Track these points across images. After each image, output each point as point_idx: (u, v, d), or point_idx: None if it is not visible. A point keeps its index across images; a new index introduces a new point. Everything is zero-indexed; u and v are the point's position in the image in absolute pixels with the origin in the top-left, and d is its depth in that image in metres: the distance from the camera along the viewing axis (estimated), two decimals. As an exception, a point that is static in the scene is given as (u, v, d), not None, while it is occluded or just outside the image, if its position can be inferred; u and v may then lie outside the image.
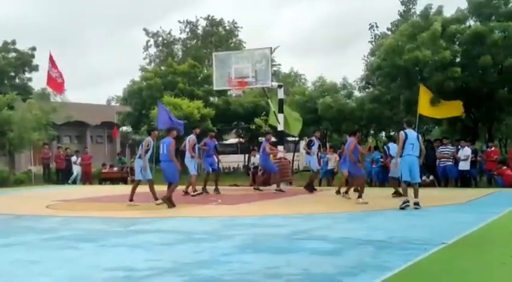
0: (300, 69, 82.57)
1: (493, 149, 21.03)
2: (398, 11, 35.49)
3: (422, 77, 21.60)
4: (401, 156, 12.61)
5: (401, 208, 12.25)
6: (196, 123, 26.18)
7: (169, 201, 13.53)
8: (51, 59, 26.72)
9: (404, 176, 12.74)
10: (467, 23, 22.79)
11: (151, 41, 52.22)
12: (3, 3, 68.48)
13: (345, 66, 75.69)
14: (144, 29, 52.21)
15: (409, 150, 12.44)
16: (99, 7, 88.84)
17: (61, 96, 29.17)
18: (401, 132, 12.83)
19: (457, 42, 22.24)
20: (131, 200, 14.27)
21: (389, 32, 33.66)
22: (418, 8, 29.99)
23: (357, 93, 29.54)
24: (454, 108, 21.09)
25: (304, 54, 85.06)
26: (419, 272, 6.44)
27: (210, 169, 18.06)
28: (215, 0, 77.65)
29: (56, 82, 26.48)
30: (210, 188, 17.93)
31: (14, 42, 34.56)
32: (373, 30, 37.10)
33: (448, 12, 23.88)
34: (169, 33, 52.18)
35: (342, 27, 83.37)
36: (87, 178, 27.44)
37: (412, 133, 12.80)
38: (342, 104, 26.71)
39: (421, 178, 20.43)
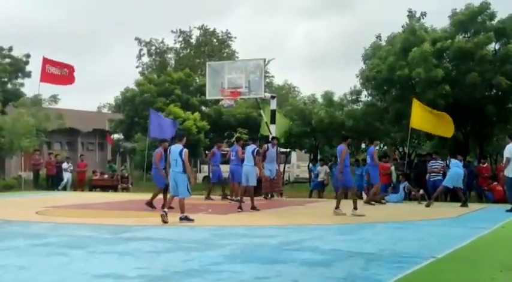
0: (303, 82, 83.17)
1: (485, 165, 21.12)
2: (402, 25, 35.29)
3: (414, 92, 21.65)
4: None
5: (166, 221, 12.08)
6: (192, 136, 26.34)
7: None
8: (46, 60, 26.60)
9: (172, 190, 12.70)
10: (456, 39, 22.86)
11: (144, 50, 52.34)
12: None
13: (348, 82, 75.74)
14: (137, 39, 52.27)
15: (174, 167, 12.44)
16: (99, 16, 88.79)
17: (54, 102, 29.18)
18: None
19: (447, 59, 22.37)
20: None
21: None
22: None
23: (349, 106, 29.53)
24: (445, 128, 20.83)
25: (309, 67, 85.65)
26: (409, 285, 6.45)
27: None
28: (237, 13, 78.35)
29: (56, 76, 26.58)
30: None
31: (10, 49, 34.41)
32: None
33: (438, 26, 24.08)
34: (162, 42, 52.30)
35: (353, 42, 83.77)
36: (80, 185, 27.36)
37: (175, 148, 12.56)
38: (333, 116, 26.74)
39: (410, 193, 20.62)
